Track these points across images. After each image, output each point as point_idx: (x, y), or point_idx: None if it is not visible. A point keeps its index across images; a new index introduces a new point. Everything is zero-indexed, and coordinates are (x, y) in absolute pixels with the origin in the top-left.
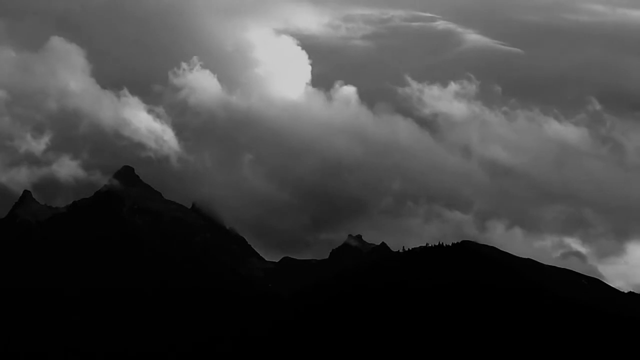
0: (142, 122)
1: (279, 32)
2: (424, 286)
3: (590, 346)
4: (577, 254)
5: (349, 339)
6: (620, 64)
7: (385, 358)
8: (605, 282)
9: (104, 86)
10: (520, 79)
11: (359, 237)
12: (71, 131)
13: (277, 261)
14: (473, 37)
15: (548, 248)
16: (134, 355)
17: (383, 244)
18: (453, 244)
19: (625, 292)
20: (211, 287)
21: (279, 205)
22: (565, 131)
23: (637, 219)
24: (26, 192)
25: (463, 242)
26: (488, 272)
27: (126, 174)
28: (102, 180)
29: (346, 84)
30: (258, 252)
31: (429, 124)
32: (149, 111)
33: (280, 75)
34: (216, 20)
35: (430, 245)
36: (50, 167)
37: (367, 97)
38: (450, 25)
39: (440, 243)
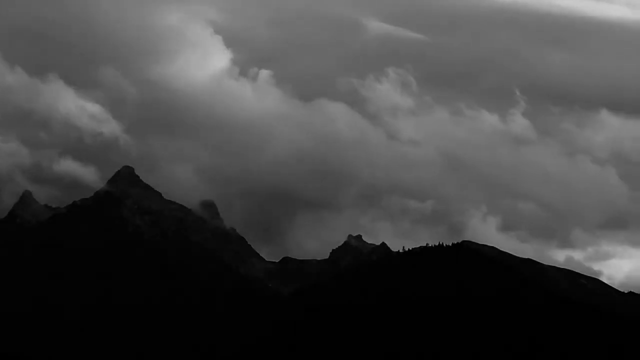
0: (77, 105)
1: (187, 18)
2: (424, 286)
3: (590, 346)
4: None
5: (349, 339)
6: (533, 53)
7: (385, 358)
8: (605, 281)
9: (12, 65)
10: (437, 69)
11: (359, 237)
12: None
13: (277, 261)
14: (375, 25)
15: (520, 238)
16: (132, 355)
17: (383, 244)
18: (453, 244)
19: (625, 292)
20: (211, 287)
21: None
22: (505, 123)
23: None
24: (26, 192)
25: (463, 242)
26: (488, 272)
27: (126, 174)
28: (54, 160)
29: (267, 72)
30: (258, 252)
31: (367, 114)
32: (82, 96)
33: (200, 63)
34: (123, 10)
35: (430, 245)
36: None
37: (291, 86)
38: (350, 12)
39: (440, 243)
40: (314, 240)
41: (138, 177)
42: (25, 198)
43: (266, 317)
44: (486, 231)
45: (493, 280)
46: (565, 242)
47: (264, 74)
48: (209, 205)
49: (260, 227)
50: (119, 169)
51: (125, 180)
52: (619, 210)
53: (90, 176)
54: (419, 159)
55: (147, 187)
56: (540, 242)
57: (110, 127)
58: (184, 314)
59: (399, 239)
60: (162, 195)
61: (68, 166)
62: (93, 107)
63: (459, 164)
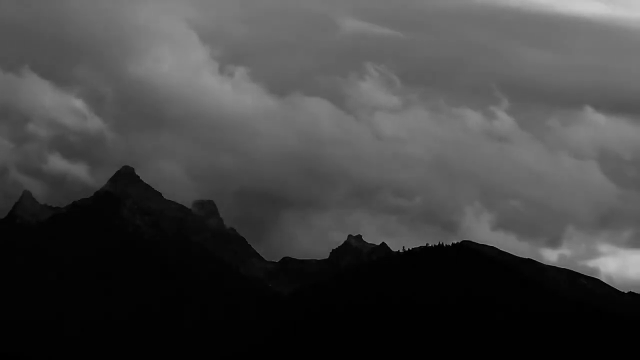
0: (58, 101)
1: (161, 14)
2: (424, 286)
3: (590, 346)
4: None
5: (350, 339)
6: (511, 50)
7: (385, 358)
8: (605, 282)
9: None
10: (415, 66)
11: (359, 237)
12: None
13: (277, 261)
14: (350, 22)
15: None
16: (132, 355)
17: (383, 244)
18: (453, 244)
19: (625, 292)
20: (211, 287)
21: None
22: (488, 121)
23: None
24: (26, 192)
25: (463, 242)
26: (488, 272)
27: (126, 174)
28: (43, 157)
29: (244, 70)
30: (258, 252)
31: (350, 112)
32: (62, 93)
33: (177, 59)
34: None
35: (430, 245)
36: None
37: (271, 83)
38: (324, 9)
39: (440, 243)
40: (306, 240)
41: (138, 177)
42: (25, 198)
43: (266, 317)
44: (480, 230)
45: (493, 280)
46: (557, 240)
47: (242, 71)
48: (209, 205)
49: (252, 226)
50: (107, 165)
51: (125, 180)
52: (607, 208)
53: (81, 173)
54: (405, 157)
55: (147, 187)
56: (532, 240)
57: (94, 124)
58: (184, 314)
59: (392, 238)
60: (162, 195)
61: (56, 163)
62: (75, 104)
63: (446, 162)
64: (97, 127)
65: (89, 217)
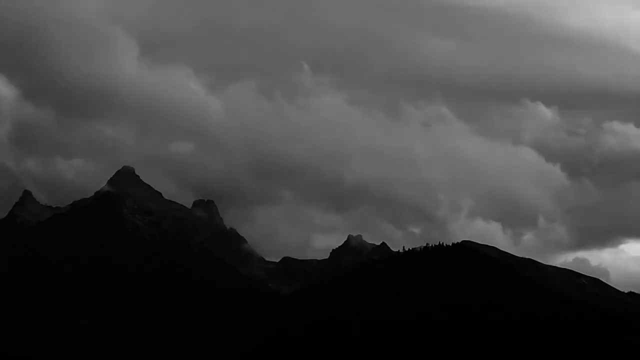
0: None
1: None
2: (424, 286)
3: (591, 346)
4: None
5: (350, 339)
6: (415, 41)
7: (385, 357)
8: (606, 282)
9: None
10: (327, 57)
11: (359, 237)
12: None
13: (277, 261)
14: (246, 15)
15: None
16: (132, 354)
17: (383, 244)
18: (453, 243)
19: (626, 292)
20: (211, 287)
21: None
22: (423, 114)
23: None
24: (26, 192)
25: (463, 242)
26: (488, 272)
27: (126, 174)
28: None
29: (167, 58)
30: (258, 252)
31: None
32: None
33: (99, 51)
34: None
35: (430, 245)
36: None
37: (195, 72)
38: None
39: (440, 243)
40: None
41: (138, 177)
42: (25, 198)
43: (266, 317)
44: (457, 220)
45: (493, 280)
46: (518, 232)
47: (164, 59)
48: (209, 205)
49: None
50: (54, 155)
51: (126, 180)
52: (560, 198)
53: (34, 166)
54: (357, 149)
55: (147, 187)
56: (507, 230)
57: (38, 114)
58: (184, 314)
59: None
60: (162, 195)
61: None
62: (12, 93)
63: (397, 155)
64: (44, 117)
65: (89, 217)
